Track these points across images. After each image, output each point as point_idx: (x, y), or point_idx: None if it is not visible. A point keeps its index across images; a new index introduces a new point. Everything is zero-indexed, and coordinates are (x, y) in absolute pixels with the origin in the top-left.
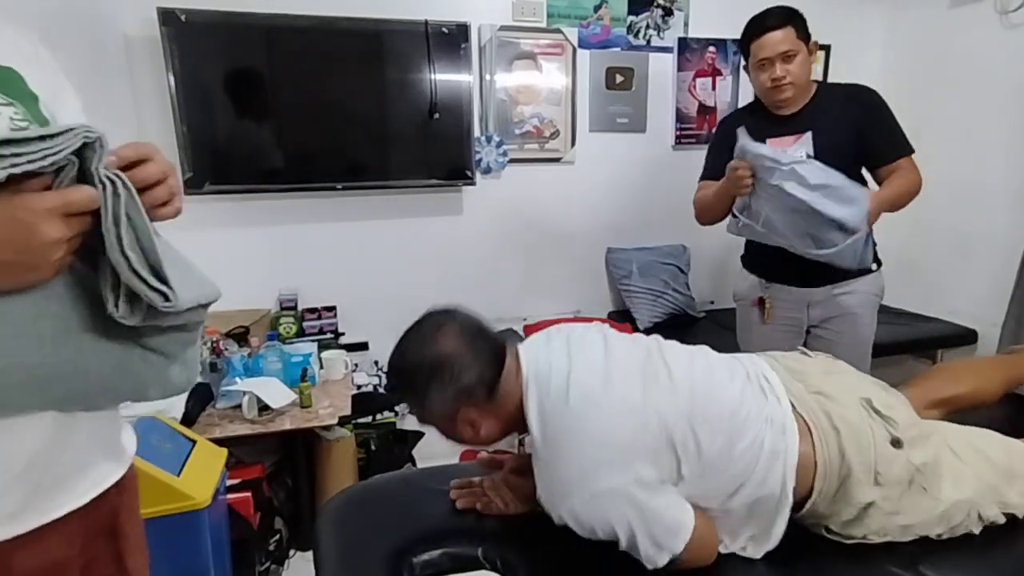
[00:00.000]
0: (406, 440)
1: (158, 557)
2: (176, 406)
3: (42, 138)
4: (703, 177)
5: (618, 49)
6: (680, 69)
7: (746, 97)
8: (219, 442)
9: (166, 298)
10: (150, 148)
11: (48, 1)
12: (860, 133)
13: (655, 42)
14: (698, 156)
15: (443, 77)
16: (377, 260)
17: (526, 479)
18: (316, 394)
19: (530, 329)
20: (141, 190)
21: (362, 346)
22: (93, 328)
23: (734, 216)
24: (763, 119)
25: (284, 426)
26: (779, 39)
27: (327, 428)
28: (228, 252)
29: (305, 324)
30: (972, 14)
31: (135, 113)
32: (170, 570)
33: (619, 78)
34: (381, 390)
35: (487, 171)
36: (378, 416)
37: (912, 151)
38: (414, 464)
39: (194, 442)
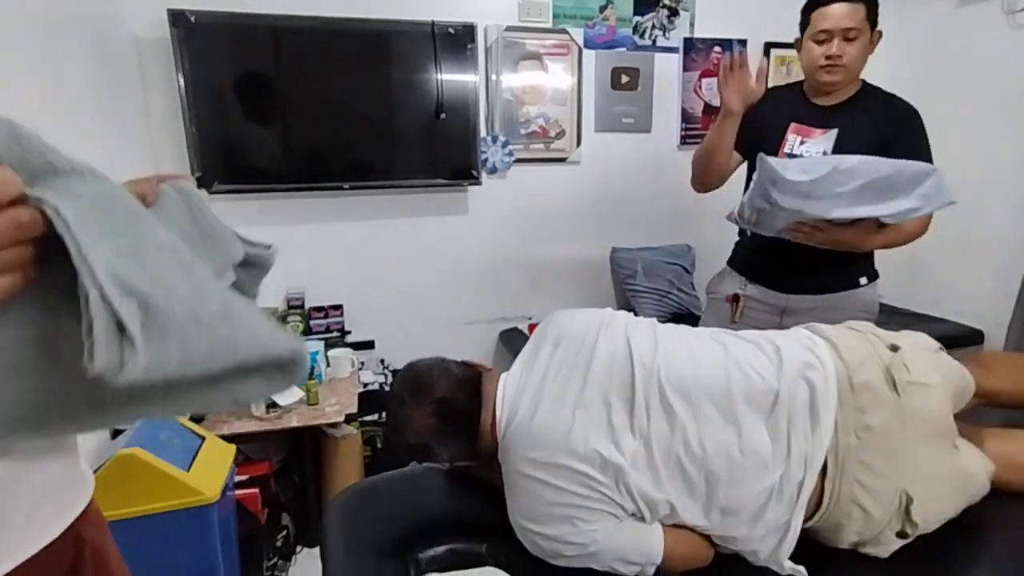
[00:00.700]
0: None
1: (169, 551)
2: None
3: None
4: None
5: (624, 49)
6: (686, 69)
7: None
8: (227, 439)
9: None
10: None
11: (60, 3)
12: (883, 147)
13: (661, 42)
14: None
15: (449, 77)
16: (383, 259)
17: None
18: (323, 392)
19: (534, 328)
20: None
21: (368, 345)
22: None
23: (739, 218)
24: (796, 101)
25: (291, 423)
26: (845, 13)
27: (334, 426)
28: None
29: (312, 322)
30: (979, 13)
31: (145, 113)
32: (180, 564)
33: (625, 78)
34: (387, 388)
35: (493, 171)
36: (384, 415)
37: None
38: (419, 462)
39: (203, 438)
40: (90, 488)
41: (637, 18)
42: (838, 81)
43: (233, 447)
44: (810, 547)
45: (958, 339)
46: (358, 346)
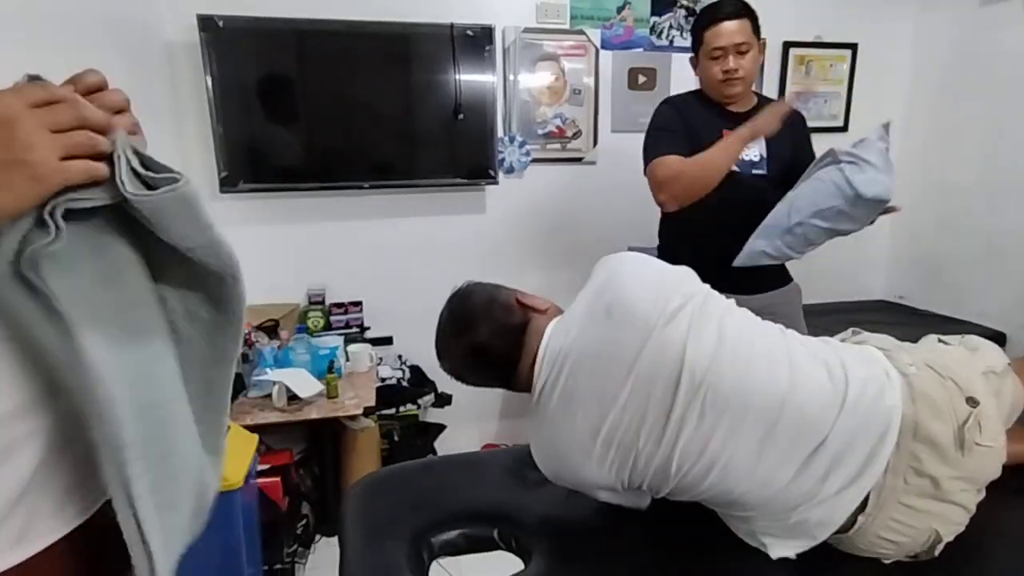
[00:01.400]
0: (428, 432)
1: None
2: None
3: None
4: (661, 153)
5: (641, 50)
6: None
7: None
8: (250, 429)
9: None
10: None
11: (96, 10)
12: (794, 148)
13: (678, 42)
14: None
15: (468, 78)
16: (402, 257)
17: None
18: (342, 386)
19: None
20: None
21: (387, 340)
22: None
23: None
24: (716, 112)
25: (311, 415)
26: (735, 29)
27: (352, 418)
28: (260, 248)
29: (332, 318)
30: (1003, 12)
31: (175, 114)
32: (205, 547)
33: (642, 78)
34: (404, 383)
35: (510, 171)
36: (401, 408)
37: None
38: (435, 455)
39: (227, 427)
40: None
41: (654, 18)
42: (739, 92)
43: (256, 437)
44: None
45: None
46: (376, 342)
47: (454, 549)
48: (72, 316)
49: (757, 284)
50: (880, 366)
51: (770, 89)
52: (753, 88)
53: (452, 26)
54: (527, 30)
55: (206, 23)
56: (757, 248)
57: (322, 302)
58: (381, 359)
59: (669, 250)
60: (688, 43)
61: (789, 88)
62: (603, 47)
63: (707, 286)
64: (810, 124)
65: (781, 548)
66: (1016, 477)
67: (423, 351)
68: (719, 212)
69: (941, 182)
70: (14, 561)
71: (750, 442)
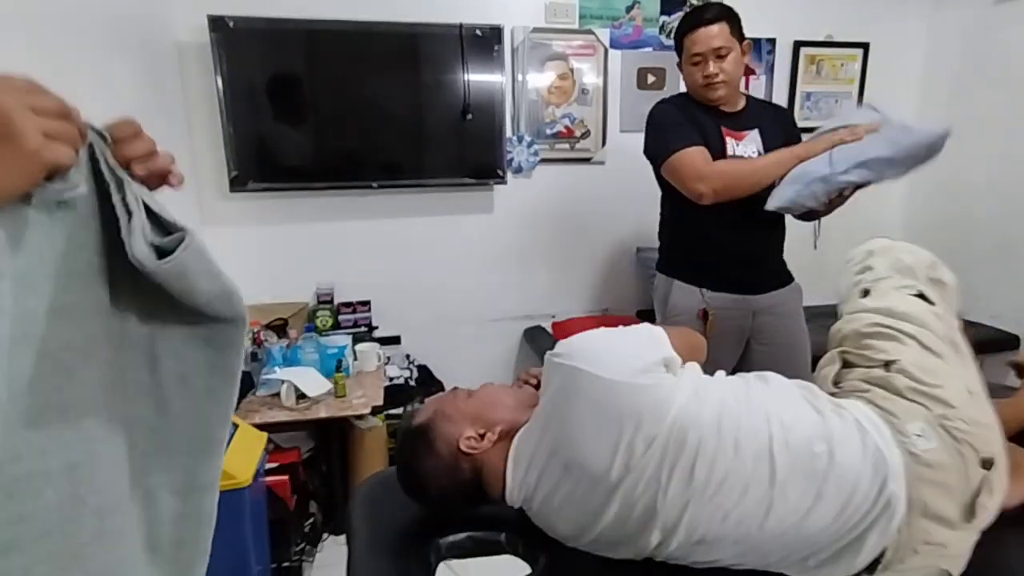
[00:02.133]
0: None
1: None
2: None
3: None
4: (685, 144)
5: (650, 49)
6: None
7: (779, 96)
8: (259, 427)
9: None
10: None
11: (108, 11)
12: (786, 141)
13: None
14: None
15: (476, 78)
16: (410, 257)
17: None
18: (350, 385)
19: (558, 327)
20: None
21: (395, 340)
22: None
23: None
24: (711, 112)
25: (320, 414)
26: (713, 34)
27: (360, 417)
28: (270, 247)
29: (340, 317)
30: (1017, 10)
31: (185, 114)
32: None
33: (651, 78)
34: (412, 383)
35: (518, 170)
36: (409, 408)
37: None
38: None
39: (236, 426)
40: None
41: (664, 18)
42: (722, 96)
43: (264, 435)
44: None
45: (994, 343)
46: (384, 341)
47: (461, 552)
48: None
49: (759, 284)
50: (881, 434)
51: (780, 89)
52: (743, 89)
53: (461, 26)
54: (536, 30)
55: (216, 23)
56: (788, 194)
57: (331, 301)
58: (389, 358)
59: (671, 251)
60: None
61: (800, 86)
62: (612, 47)
63: (669, 354)
64: (820, 124)
65: None
66: None
67: (431, 351)
68: (720, 210)
69: (953, 181)
70: None
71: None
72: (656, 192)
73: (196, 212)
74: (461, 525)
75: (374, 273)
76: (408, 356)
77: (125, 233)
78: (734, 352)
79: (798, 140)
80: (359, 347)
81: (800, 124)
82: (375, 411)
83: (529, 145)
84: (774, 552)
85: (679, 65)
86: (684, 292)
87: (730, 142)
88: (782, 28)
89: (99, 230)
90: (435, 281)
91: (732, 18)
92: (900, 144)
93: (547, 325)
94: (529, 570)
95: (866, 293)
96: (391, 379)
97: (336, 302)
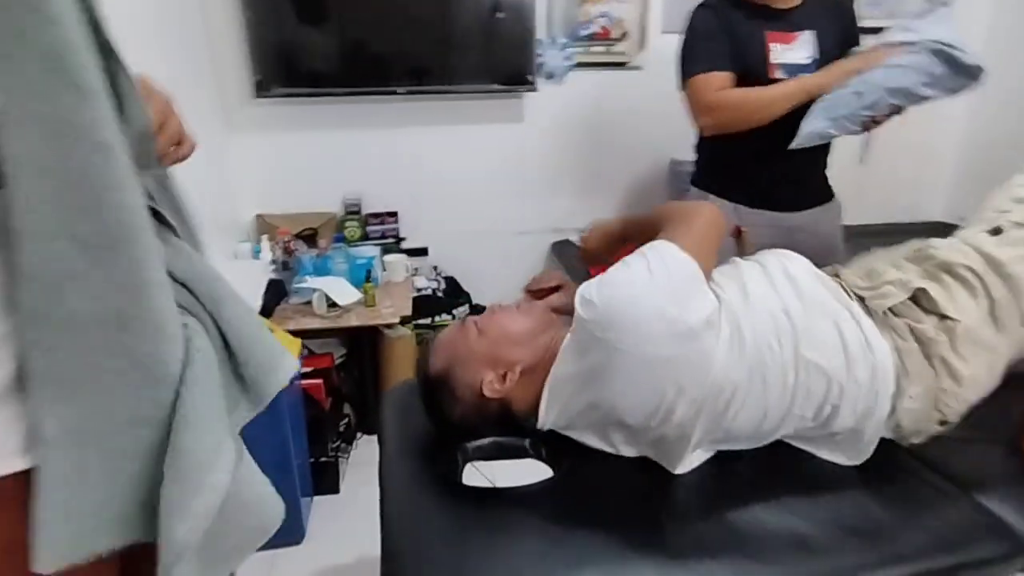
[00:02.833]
0: None
1: (244, 431)
2: (254, 298)
3: None
4: (704, 69)
5: None
6: None
7: None
8: (293, 333)
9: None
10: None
11: None
12: (846, 41)
13: None
14: None
15: None
16: (437, 167)
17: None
18: (379, 295)
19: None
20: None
21: (422, 251)
22: None
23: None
24: (756, 14)
25: (351, 322)
26: None
27: (389, 326)
28: (296, 156)
29: (368, 228)
30: None
31: (203, 16)
32: (256, 439)
33: None
34: (440, 294)
35: (550, 76)
36: (436, 319)
37: None
38: None
39: (271, 331)
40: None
41: None
42: None
43: (298, 341)
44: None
45: None
46: (412, 253)
47: (486, 455)
48: None
49: (797, 201)
50: (871, 409)
51: None
52: None
53: None
54: None
55: None
56: (816, 129)
57: (358, 212)
58: (416, 270)
59: (708, 164)
60: None
61: None
62: None
63: (709, 303)
64: (880, 22)
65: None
66: None
67: (458, 263)
68: (764, 126)
69: (1019, 91)
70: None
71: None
72: None
73: (220, 118)
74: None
75: (401, 184)
76: (435, 268)
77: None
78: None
79: (856, 43)
80: (387, 258)
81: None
82: (404, 321)
83: (562, 48)
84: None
85: None
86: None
87: (775, 48)
88: None
89: None
90: (462, 192)
91: None
92: (933, 74)
93: (575, 239)
94: (552, 473)
95: (996, 232)
96: (419, 290)
97: (364, 213)
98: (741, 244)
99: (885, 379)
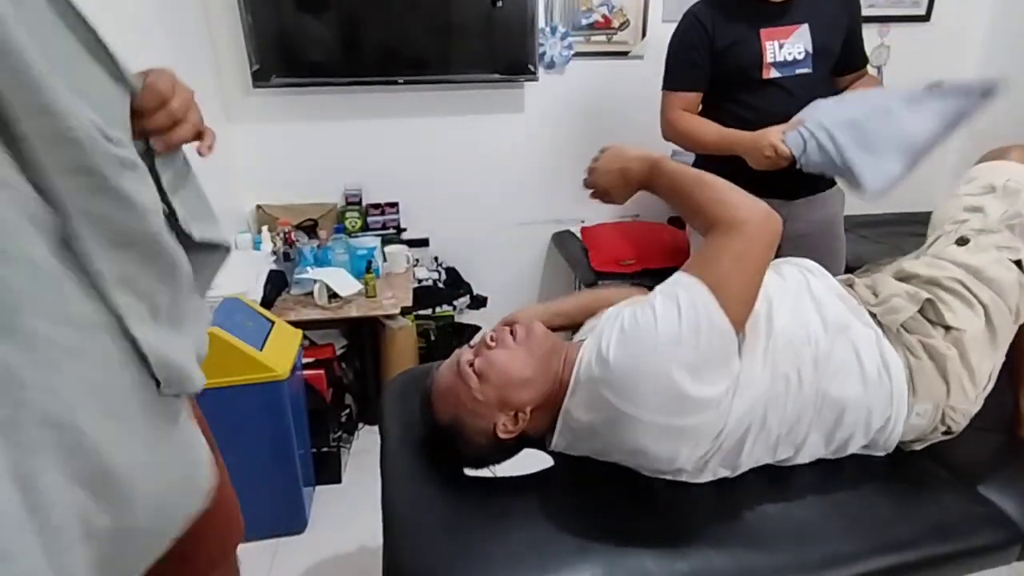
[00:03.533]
0: (463, 333)
1: (248, 420)
2: (255, 289)
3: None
4: (674, 87)
5: None
6: None
7: None
8: (294, 324)
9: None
10: (166, 85)
11: None
12: (847, 32)
13: None
14: None
15: None
16: (438, 158)
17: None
18: (380, 286)
19: (587, 232)
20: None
21: (423, 242)
22: None
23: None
24: (751, 10)
25: (351, 313)
26: None
27: (390, 317)
28: (296, 146)
29: (369, 219)
30: None
31: (202, 4)
32: (260, 431)
33: None
34: (440, 285)
35: (551, 66)
36: (437, 309)
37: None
38: None
39: (272, 322)
40: None
41: None
42: None
43: (300, 332)
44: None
45: None
46: (413, 243)
47: None
48: None
49: (799, 189)
50: (883, 430)
51: None
52: None
53: None
54: None
55: None
56: (896, 173)
57: (359, 202)
58: (417, 260)
59: (707, 159)
60: None
61: None
62: None
63: (735, 370)
64: (886, 12)
65: None
66: None
67: (459, 254)
68: (761, 121)
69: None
70: None
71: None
72: None
73: (219, 108)
74: None
75: (401, 174)
76: (436, 258)
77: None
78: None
79: (859, 34)
80: (388, 249)
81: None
82: (404, 312)
83: (563, 37)
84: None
85: None
86: None
87: (770, 47)
88: None
89: None
90: (463, 183)
91: None
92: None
93: (576, 230)
94: (552, 462)
95: (964, 242)
96: (420, 281)
97: (364, 203)
98: None
99: (900, 402)
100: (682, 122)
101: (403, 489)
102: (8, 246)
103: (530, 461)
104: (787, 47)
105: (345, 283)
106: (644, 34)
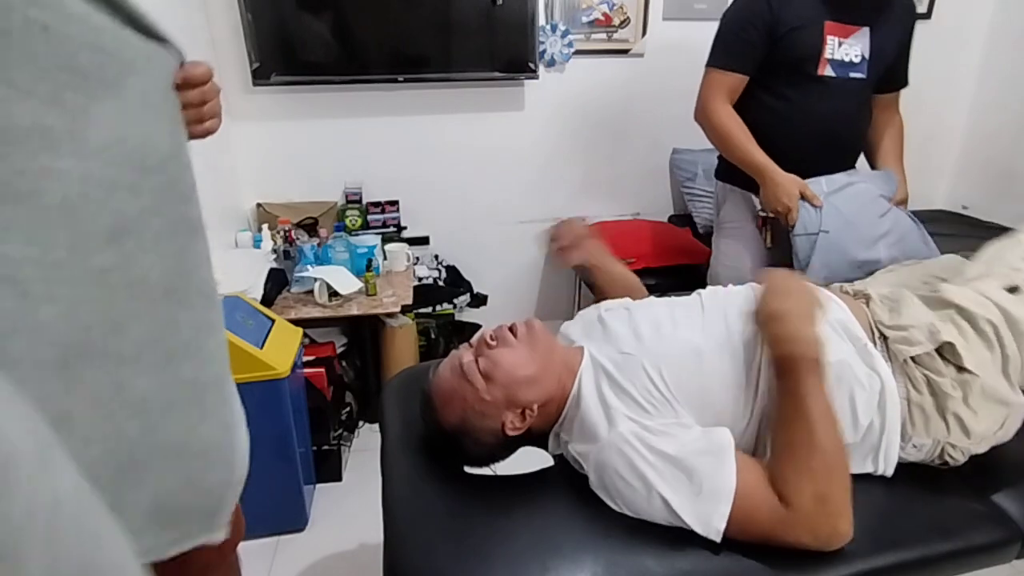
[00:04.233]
0: (463, 331)
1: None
2: (256, 287)
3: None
4: (720, 65)
5: None
6: None
7: None
8: (294, 322)
9: None
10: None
11: None
12: (899, 46)
13: None
14: None
15: None
16: (438, 156)
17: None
18: (380, 284)
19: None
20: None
21: (423, 240)
22: None
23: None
24: None
25: (352, 311)
26: None
27: (391, 315)
28: (296, 145)
29: (369, 217)
30: None
31: (203, 2)
32: (260, 428)
33: None
34: (441, 283)
35: (551, 64)
36: (438, 308)
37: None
38: None
39: (273, 320)
40: None
41: None
42: None
43: (300, 330)
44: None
45: None
46: (413, 242)
47: None
48: None
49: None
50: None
51: None
52: None
53: None
54: None
55: None
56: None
57: (359, 200)
58: (418, 259)
59: (731, 163)
60: None
61: None
62: None
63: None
64: None
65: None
66: None
67: (460, 252)
68: (805, 123)
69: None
70: None
71: None
72: (696, 89)
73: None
74: None
75: (402, 173)
76: (437, 257)
77: None
78: (788, 267)
79: (910, 42)
80: (388, 247)
81: None
82: (405, 310)
83: (563, 35)
84: None
85: None
86: (738, 201)
87: (831, 42)
88: None
89: None
90: (463, 181)
91: None
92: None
93: None
94: (552, 462)
95: (1014, 290)
96: (420, 279)
97: (364, 202)
98: (765, 236)
99: (893, 432)
100: (722, 119)
101: (403, 487)
102: None
103: (529, 459)
104: (845, 47)
105: (345, 281)
106: (644, 32)
